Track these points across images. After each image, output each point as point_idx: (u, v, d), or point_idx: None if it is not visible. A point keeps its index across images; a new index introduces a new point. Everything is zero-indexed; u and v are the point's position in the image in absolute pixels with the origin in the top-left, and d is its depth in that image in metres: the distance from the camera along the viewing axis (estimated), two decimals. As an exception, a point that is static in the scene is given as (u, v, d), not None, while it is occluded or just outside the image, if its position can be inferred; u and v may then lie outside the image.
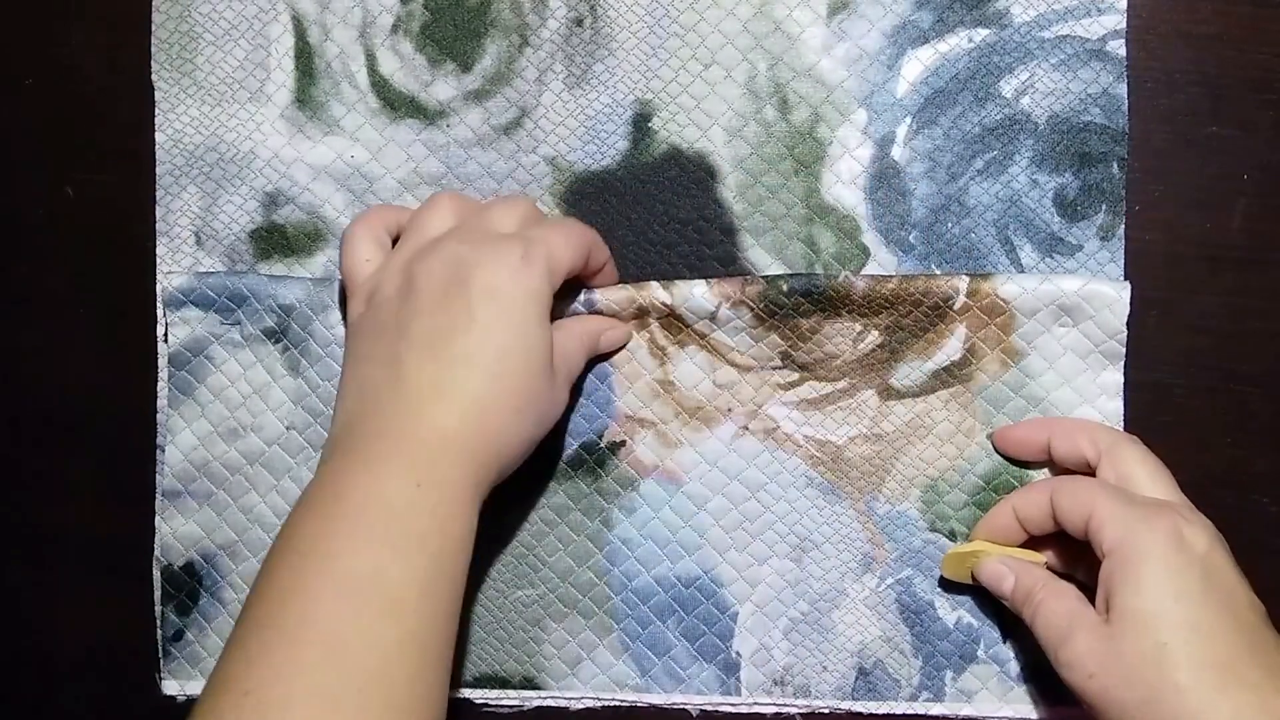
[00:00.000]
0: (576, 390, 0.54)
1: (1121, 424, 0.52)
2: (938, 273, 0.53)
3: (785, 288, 0.52)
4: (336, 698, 0.40)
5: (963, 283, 0.51)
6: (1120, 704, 0.44)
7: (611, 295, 0.52)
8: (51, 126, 0.56)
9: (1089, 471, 0.50)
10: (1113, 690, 0.44)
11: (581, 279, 0.51)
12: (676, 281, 0.52)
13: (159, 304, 0.55)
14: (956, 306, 0.52)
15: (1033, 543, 0.51)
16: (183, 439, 0.55)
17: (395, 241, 0.50)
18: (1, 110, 0.57)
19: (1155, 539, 0.45)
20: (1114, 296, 0.51)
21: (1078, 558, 0.50)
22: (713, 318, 0.52)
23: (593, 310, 0.52)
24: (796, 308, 0.52)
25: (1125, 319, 0.51)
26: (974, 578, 0.52)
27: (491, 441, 0.46)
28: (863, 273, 0.53)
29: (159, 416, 0.56)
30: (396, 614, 0.42)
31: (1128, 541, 0.45)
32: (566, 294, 0.51)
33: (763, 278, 0.52)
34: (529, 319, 0.46)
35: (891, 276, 0.52)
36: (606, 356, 0.54)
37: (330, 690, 0.40)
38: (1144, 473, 0.49)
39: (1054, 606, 0.48)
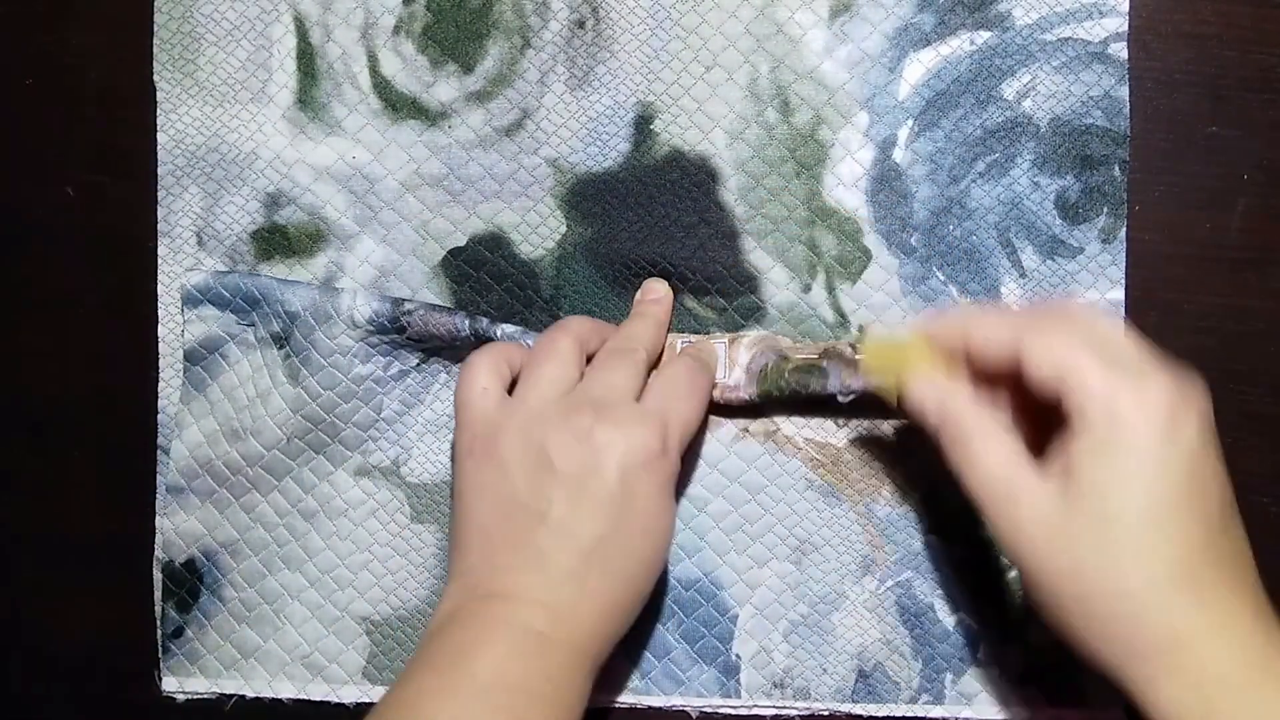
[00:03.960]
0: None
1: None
2: (939, 278, 0.53)
3: (786, 388, 0.52)
4: None
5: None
6: (1056, 591, 0.41)
7: None
8: (51, 126, 0.56)
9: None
10: (1052, 575, 0.41)
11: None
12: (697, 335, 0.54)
13: (173, 301, 0.55)
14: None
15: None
16: (189, 435, 0.55)
17: (515, 380, 0.50)
18: (1, 110, 0.57)
19: (1145, 418, 0.40)
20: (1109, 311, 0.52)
21: (1014, 395, 0.45)
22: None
23: None
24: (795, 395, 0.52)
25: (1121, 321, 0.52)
26: (898, 398, 0.47)
27: (623, 630, 0.47)
28: (865, 277, 0.53)
29: (160, 416, 0.56)
30: None
31: (1113, 414, 0.40)
32: None
33: (771, 367, 0.52)
34: (667, 507, 0.47)
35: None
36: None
37: None
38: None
39: (990, 458, 0.43)
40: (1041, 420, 0.43)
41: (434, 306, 0.53)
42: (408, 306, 0.52)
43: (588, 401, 0.47)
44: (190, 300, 0.55)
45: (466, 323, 0.52)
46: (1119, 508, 0.40)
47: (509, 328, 0.52)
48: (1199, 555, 0.40)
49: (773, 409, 0.53)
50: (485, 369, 0.49)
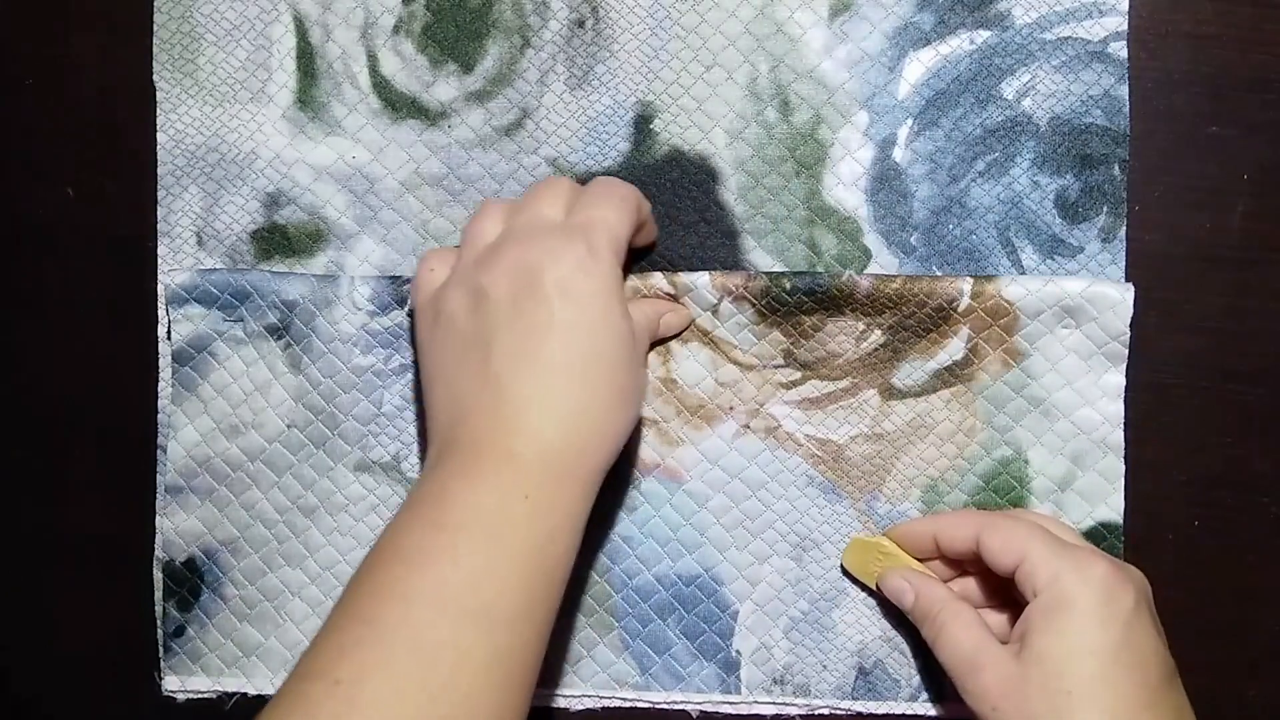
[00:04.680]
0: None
1: (1121, 426, 0.52)
2: (941, 274, 0.53)
3: (788, 285, 0.52)
4: (425, 706, 0.40)
5: (967, 284, 0.51)
6: None
7: None
8: (52, 127, 0.56)
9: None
10: None
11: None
12: (679, 272, 0.53)
13: (161, 301, 0.55)
14: (960, 308, 0.52)
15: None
16: (185, 435, 0.55)
17: None
18: (2, 111, 0.56)
19: (1085, 590, 0.45)
20: (1117, 298, 0.51)
21: (982, 581, 0.51)
22: (715, 311, 0.52)
23: None
24: (799, 305, 0.52)
25: (1128, 320, 0.51)
26: (877, 586, 0.53)
27: (598, 446, 0.46)
28: (866, 272, 0.53)
29: (160, 416, 0.56)
30: (489, 629, 0.42)
31: (1057, 586, 0.46)
32: None
33: (766, 274, 0.52)
34: (610, 311, 0.46)
35: (896, 277, 0.52)
36: (663, 341, 0.54)
37: (420, 698, 0.40)
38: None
39: (959, 634, 0.48)
40: (1011, 600, 0.49)
41: None
42: (407, 281, 0.53)
43: (512, 235, 0.48)
44: (175, 300, 0.55)
45: None
46: (1064, 666, 0.45)
47: None
48: (1140, 715, 0.44)
49: (779, 320, 0.53)
50: (435, 257, 0.50)
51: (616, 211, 0.48)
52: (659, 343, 0.54)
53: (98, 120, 0.56)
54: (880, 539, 0.53)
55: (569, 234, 0.47)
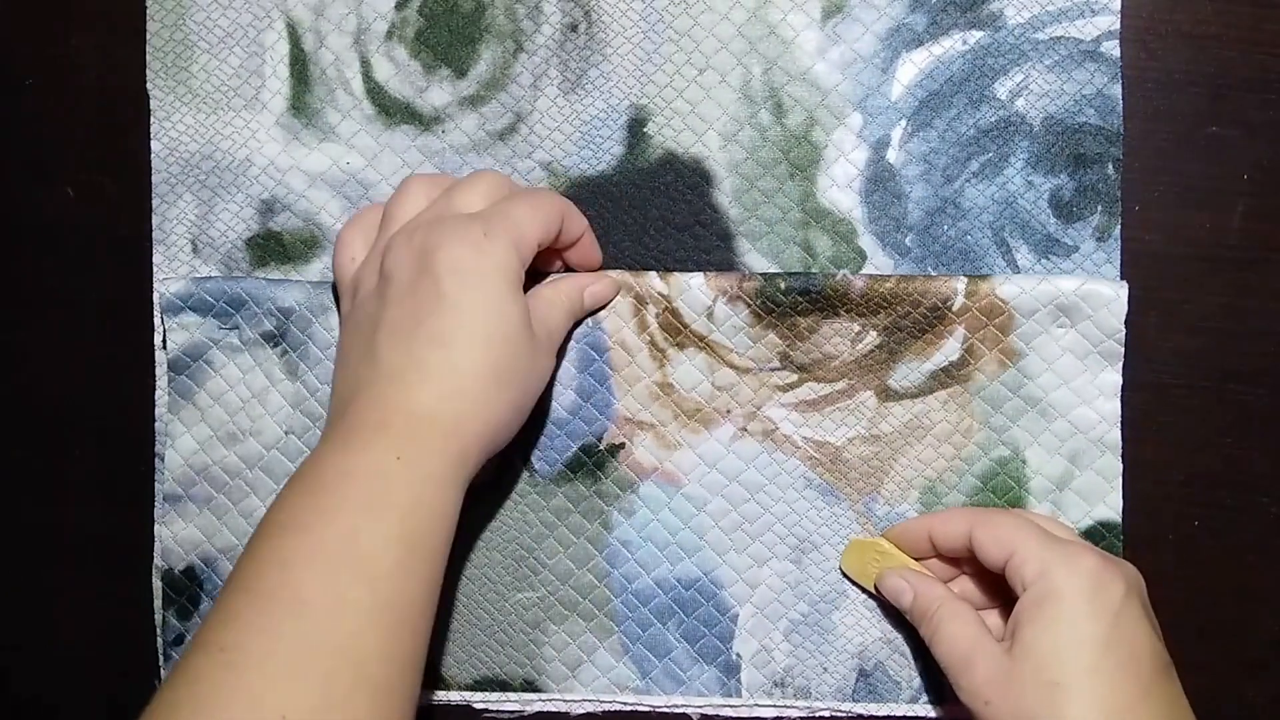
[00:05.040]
0: (577, 390, 0.54)
1: (1118, 424, 0.52)
2: (935, 274, 0.53)
3: (783, 285, 0.52)
4: (307, 660, 0.40)
5: (961, 284, 0.51)
6: None
7: (610, 274, 0.53)
8: (52, 126, 0.56)
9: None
10: None
11: (557, 252, 0.52)
12: (674, 273, 0.53)
13: (156, 310, 0.55)
14: (955, 308, 0.52)
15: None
16: (182, 443, 0.55)
17: None
18: (2, 110, 0.57)
19: (1073, 582, 0.46)
20: (1112, 296, 0.51)
21: (979, 580, 0.51)
22: (710, 314, 0.52)
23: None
24: (794, 306, 0.52)
25: (1123, 319, 0.51)
26: (875, 587, 0.53)
27: (472, 417, 0.46)
28: (860, 273, 0.53)
29: (157, 425, 0.56)
30: (369, 581, 0.42)
31: (1046, 579, 0.46)
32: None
33: (760, 275, 0.52)
34: (499, 292, 0.46)
35: (890, 276, 0.52)
36: (595, 313, 0.54)
37: (302, 653, 0.40)
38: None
39: (954, 631, 0.48)
40: (1009, 601, 0.49)
41: None
42: None
43: (425, 219, 0.48)
44: (170, 308, 0.55)
45: None
46: (1053, 657, 0.45)
47: None
48: (1133, 707, 0.44)
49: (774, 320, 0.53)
50: (355, 237, 0.51)
51: (530, 211, 0.48)
52: (591, 314, 0.53)
53: (98, 120, 0.56)
54: (878, 540, 0.53)
55: (472, 220, 0.47)
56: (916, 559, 0.52)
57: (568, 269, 0.53)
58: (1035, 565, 0.46)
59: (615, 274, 0.53)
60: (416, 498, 0.44)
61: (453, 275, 0.46)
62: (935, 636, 0.49)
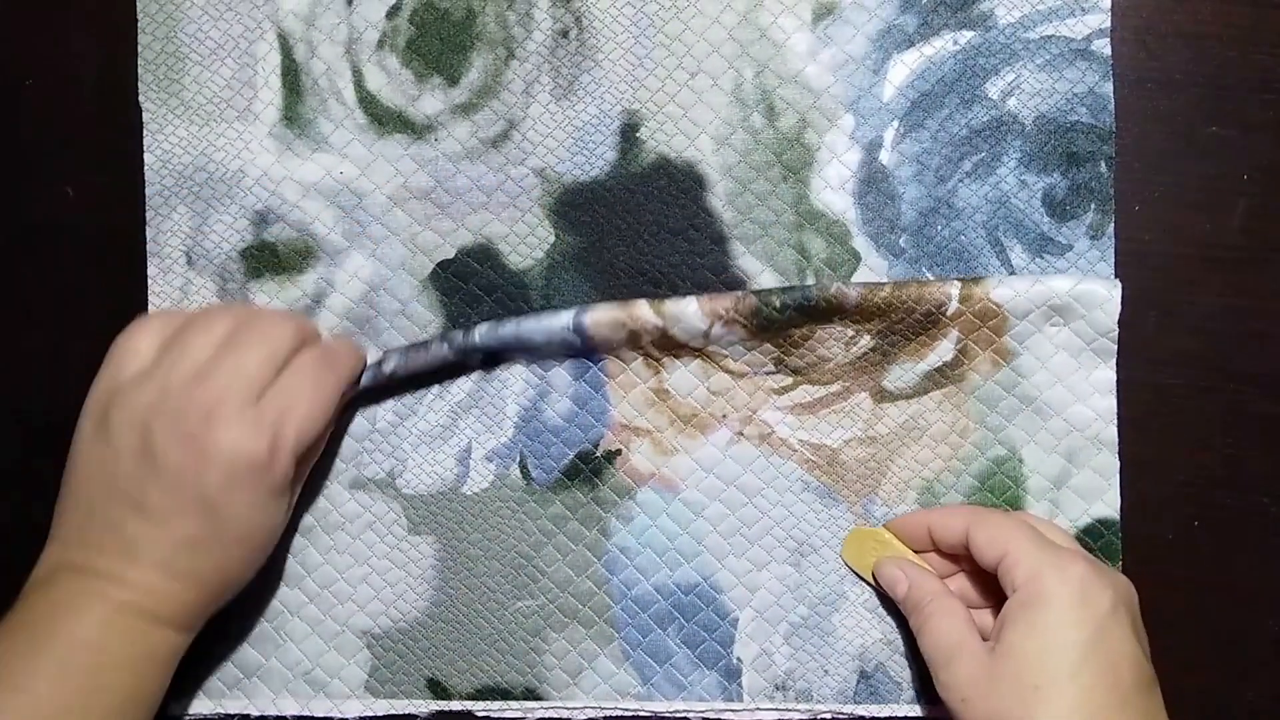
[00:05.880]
0: (573, 397, 0.54)
1: (1114, 421, 0.52)
2: (929, 278, 0.53)
3: (779, 303, 0.51)
4: None
5: (955, 288, 0.51)
6: None
7: (601, 318, 0.52)
8: (51, 127, 0.56)
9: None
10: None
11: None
12: (666, 301, 0.52)
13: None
14: (949, 312, 0.52)
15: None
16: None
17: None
18: (2, 111, 0.57)
19: (1061, 588, 0.46)
20: (1105, 295, 0.51)
21: (975, 579, 0.51)
22: (705, 336, 0.52)
23: (584, 338, 0.52)
24: (790, 321, 0.52)
25: (1116, 317, 0.51)
26: (873, 574, 0.53)
27: (212, 604, 0.49)
28: (854, 279, 0.53)
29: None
30: None
31: (1035, 583, 0.46)
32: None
33: (754, 293, 0.52)
34: (266, 513, 0.48)
35: (884, 285, 0.51)
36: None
37: None
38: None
39: (942, 625, 0.49)
40: (1000, 597, 0.49)
41: (410, 347, 0.53)
42: (385, 366, 0.53)
43: (205, 396, 0.47)
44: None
45: (445, 347, 0.53)
46: (1034, 661, 0.45)
47: (484, 327, 0.53)
48: (1104, 706, 0.44)
49: (770, 336, 0.53)
50: (150, 331, 0.49)
51: (312, 409, 0.48)
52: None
53: (98, 120, 0.56)
54: (879, 530, 0.53)
55: (258, 430, 0.47)
56: (916, 551, 0.52)
57: None
58: (1026, 568, 0.47)
59: (603, 310, 0.52)
60: (133, 668, 0.46)
61: (228, 497, 0.46)
62: (923, 628, 0.49)
